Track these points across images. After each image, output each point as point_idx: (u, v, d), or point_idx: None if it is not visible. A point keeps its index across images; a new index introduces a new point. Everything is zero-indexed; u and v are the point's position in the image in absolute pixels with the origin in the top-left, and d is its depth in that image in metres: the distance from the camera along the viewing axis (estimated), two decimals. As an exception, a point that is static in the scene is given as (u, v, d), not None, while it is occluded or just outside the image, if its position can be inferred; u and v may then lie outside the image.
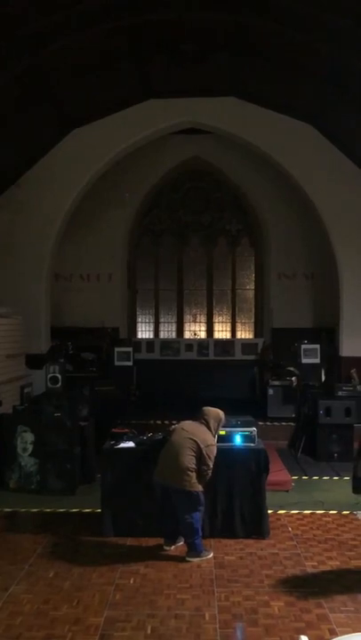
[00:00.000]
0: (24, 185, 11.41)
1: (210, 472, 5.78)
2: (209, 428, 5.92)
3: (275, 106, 11.05)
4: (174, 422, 6.20)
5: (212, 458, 5.76)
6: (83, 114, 11.06)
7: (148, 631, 4.44)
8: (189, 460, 5.67)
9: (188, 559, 5.71)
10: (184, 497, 5.70)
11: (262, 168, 12.76)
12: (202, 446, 5.71)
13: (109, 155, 11.56)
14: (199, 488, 5.73)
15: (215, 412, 6.04)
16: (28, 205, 11.39)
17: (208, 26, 8.81)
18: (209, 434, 5.89)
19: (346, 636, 2.90)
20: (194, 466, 5.68)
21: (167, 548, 5.96)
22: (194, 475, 5.69)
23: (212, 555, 5.78)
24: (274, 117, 11.20)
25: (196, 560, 5.68)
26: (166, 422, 10.22)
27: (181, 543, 5.94)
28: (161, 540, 6.03)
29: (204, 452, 5.70)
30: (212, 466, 5.76)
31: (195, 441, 5.72)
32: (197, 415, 6.06)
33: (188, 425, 5.94)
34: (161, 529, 6.04)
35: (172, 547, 5.96)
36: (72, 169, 11.39)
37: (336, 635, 4.19)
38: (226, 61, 9.88)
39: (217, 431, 6.03)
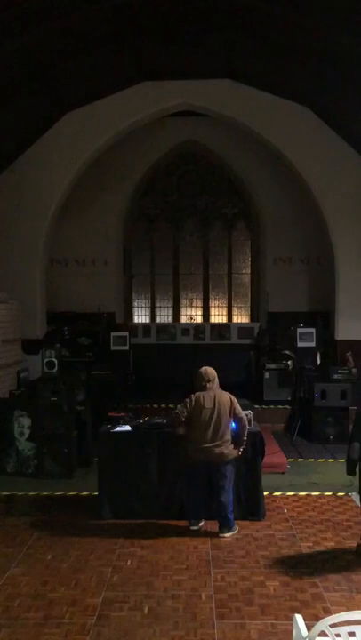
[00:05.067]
0: (18, 170, 11.34)
1: (245, 419, 5.97)
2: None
3: (270, 87, 10.95)
4: (171, 406, 6.20)
5: (239, 406, 5.97)
6: (75, 97, 10.94)
7: (145, 611, 4.50)
8: (229, 432, 5.88)
9: (222, 535, 5.85)
10: (227, 468, 5.89)
11: (258, 151, 12.67)
12: (229, 409, 5.87)
13: (103, 138, 11.46)
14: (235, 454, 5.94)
15: (211, 372, 6.06)
16: (22, 190, 11.32)
17: (202, 7, 8.69)
18: (221, 392, 6.00)
19: (340, 614, 2.95)
20: (230, 434, 5.89)
21: (195, 528, 6.04)
22: (231, 443, 5.90)
23: (238, 528, 5.95)
24: (269, 99, 11.10)
25: (229, 535, 5.84)
26: (163, 406, 10.27)
27: (202, 523, 6.08)
28: (157, 522, 6.12)
29: (236, 411, 5.90)
30: (243, 415, 5.97)
31: (222, 411, 5.84)
32: (199, 382, 6.02)
33: (207, 401, 5.88)
34: (190, 510, 6.10)
35: (200, 524, 6.07)
36: (65, 153, 11.29)
37: (330, 613, 4.25)
38: (220, 43, 9.77)
39: None
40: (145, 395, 11.22)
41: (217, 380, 6.05)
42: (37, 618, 4.42)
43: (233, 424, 6.36)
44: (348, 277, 11.49)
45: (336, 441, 9.20)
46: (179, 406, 6.01)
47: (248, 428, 6.36)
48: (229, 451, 5.86)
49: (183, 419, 5.92)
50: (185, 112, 11.92)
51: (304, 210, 12.80)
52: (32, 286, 11.49)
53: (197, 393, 5.97)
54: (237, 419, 5.92)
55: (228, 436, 5.87)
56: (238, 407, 5.96)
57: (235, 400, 5.97)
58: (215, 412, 5.83)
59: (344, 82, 9.50)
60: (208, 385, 5.96)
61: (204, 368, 6.10)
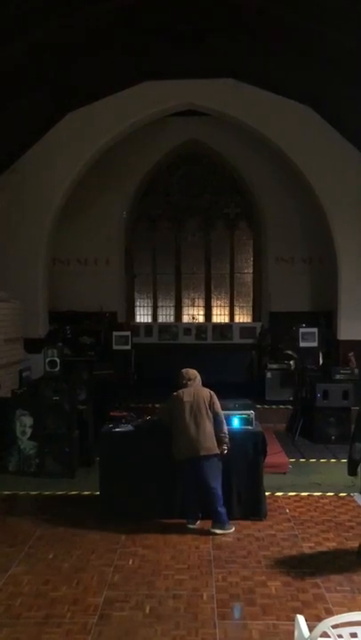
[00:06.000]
0: (19, 170, 11.34)
1: (223, 416, 6.03)
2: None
3: (272, 87, 10.94)
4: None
5: (219, 404, 6.05)
6: (77, 97, 10.94)
7: (147, 611, 4.49)
8: (210, 425, 5.92)
9: (213, 530, 5.86)
10: (212, 462, 5.90)
11: (260, 150, 12.66)
12: (208, 402, 5.98)
13: (104, 138, 11.47)
14: (219, 450, 5.96)
15: (192, 372, 6.24)
16: (24, 190, 11.34)
17: (204, 6, 8.67)
18: (202, 388, 6.15)
19: (342, 615, 2.94)
20: (212, 428, 5.93)
21: (192, 526, 6.06)
22: (215, 437, 5.93)
23: (233, 529, 5.92)
24: (272, 99, 11.10)
25: (220, 532, 5.83)
26: (164, 406, 10.25)
27: (199, 522, 6.08)
28: (159, 522, 6.11)
29: (214, 406, 5.99)
30: (221, 412, 6.03)
31: (200, 404, 5.95)
32: (180, 381, 6.18)
33: (186, 395, 6.05)
34: (186, 508, 6.14)
35: (197, 523, 6.08)
36: (67, 152, 11.30)
37: (332, 614, 4.25)
38: (222, 42, 9.75)
39: None
40: (147, 394, 11.20)
41: (199, 379, 6.22)
42: (39, 617, 4.42)
43: (236, 422, 6.42)
44: (350, 277, 11.49)
45: (338, 441, 9.19)
46: (160, 410, 6.17)
47: (250, 428, 6.38)
48: (213, 444, 5.90)
49: (168, 419, 6.13)
50: (186, 111, 11.92)
51: (306, 209, 12.80)
52: (34, 285, 11.51)
53: (178, 390, 6.14)
54: (214, 413, 5.98)
55: (211, 430, 5.92)
56: (217, 403, 6.05)
57: (214, 395, 6.09)
58: (194, 405, 5.97)
59: (346, 82, 9.48)
60: (189, 383, 6.15)
61: (185, 369, 6.28)
